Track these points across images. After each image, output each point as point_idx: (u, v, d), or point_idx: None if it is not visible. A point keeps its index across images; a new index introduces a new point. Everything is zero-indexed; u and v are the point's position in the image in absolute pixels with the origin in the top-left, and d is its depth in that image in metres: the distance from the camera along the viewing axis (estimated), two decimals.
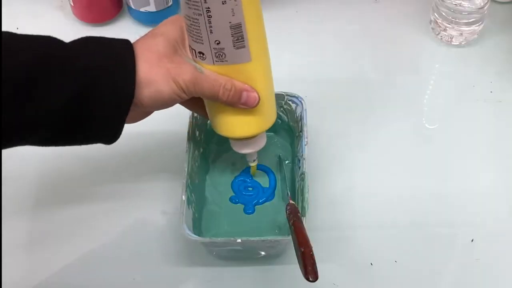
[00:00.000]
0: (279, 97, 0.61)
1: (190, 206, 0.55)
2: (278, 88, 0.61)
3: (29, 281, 0.57)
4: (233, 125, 0.51)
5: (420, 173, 0.64)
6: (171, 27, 0.47)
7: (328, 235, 0.58)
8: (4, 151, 0.43)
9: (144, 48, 0.45)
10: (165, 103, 0.47)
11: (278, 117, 0.63)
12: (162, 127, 0.66)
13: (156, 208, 0.61)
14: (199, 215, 0.58)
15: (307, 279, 0.44)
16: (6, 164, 0.56)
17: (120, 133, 0.46)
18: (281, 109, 0.62)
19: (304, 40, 0.77)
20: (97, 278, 0.57)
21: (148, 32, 0.48)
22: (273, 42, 0.76)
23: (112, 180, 0.63)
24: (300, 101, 0.60)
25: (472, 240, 0.59)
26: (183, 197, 0.54)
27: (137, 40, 0.47)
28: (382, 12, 0.80)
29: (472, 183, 0.63)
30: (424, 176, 0.64)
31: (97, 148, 0.64)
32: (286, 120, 0.63)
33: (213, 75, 0.47)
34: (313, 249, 0.46)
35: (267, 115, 0.52)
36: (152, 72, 0.45)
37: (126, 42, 0.46)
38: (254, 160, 0.58)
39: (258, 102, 0.49)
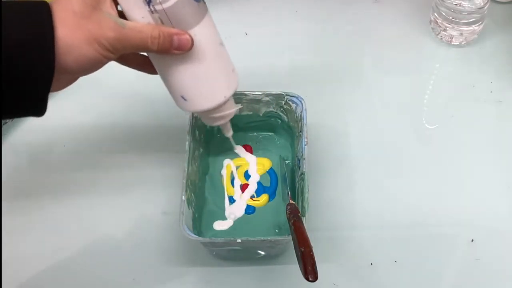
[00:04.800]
0: (279, 97, 0.61)
1: (190, 206, 0.55)
2: (278, 88, 0.61)
3: (29, 281, 0.57)
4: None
5: (420, 173, 0.64)
6: None
7: (328, 235, 0.59)
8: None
9: (60, 10, 0.42)
10: (93, 66, 0.45)
11: (278, 117, 0.63)
12: (162, 127, 0.66)
13: (156, 208, 0.61)
14: (199, 215, 0.58)
15: (307, 279, 0.44)
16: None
17: (46, 104, 0.43)
18: (281, 109, 0.62)
19: (304, 40, 0.77)
20: (97, 278, 0.57)
21: None
22: (273, 42, 0.77)
23: (112, 181, 0.63)
24: (300, 101, 0.60)
25: (472, 240, 0.59)
26: (183, 197, 0.54)
27: (53, 1, 0.43)
28: (382, 12, 0.80)
29: (472, 183, 0.63)
30: (424, 176, 0.64)
31: (97, 148, 0.65)
32: (286, 120, 0.63)
33: (137, 26, 0.44)
34: (313, 249, 0.46)
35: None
36: (73, 36, 0.42)
37: (43, 5, 0.42)
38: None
39: (192, 43, 0.46)
